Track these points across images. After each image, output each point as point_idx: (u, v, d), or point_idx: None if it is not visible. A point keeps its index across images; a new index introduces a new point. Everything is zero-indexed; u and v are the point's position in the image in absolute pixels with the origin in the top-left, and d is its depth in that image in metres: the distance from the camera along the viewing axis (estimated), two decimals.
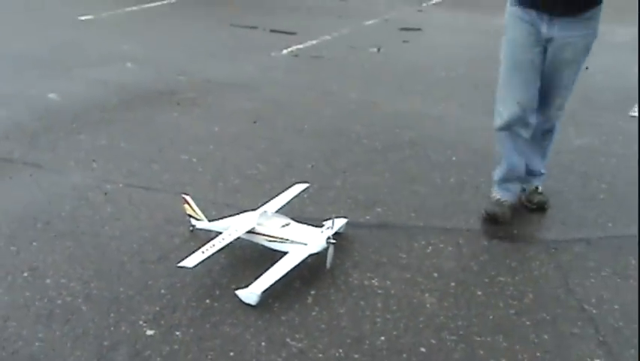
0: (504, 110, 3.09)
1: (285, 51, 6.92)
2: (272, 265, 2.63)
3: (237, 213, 2.96)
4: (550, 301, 2.73)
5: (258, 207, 2.98)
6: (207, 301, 2.68)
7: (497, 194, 3.28)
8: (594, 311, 2.65)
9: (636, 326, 2.53)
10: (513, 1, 2.98)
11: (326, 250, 2.73)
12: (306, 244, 2.72)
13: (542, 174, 3.37)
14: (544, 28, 2.91)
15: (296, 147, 4.31)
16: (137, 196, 3.58)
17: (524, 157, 3.21)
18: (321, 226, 2.85)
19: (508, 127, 3.12)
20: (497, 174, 3.31)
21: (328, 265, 2.74)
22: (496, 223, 3.14)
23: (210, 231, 2.95)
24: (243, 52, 6.91)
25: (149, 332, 2.47)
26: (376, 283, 2.71)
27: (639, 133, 2.74)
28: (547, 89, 3.04)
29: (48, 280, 2.81)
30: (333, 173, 3.92)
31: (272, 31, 7.72)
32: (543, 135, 3.24)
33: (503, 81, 3.08)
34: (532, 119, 3.06)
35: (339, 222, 2.98)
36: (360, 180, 3.84)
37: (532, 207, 3.32)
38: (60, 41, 7.21)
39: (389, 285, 2.75)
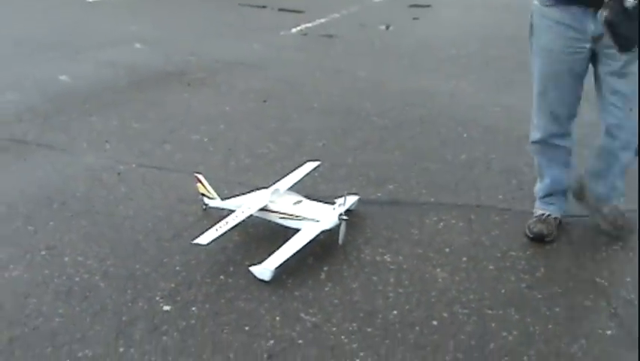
0: (539, 124, 2.79)
1: (294, 30, 6.90)
2: (285, 241, 2.63)
3: (250, 192, 2.97)
4: (562, 275, 2.74)
5: (270, 186, 2.96)
6: (222, 277, 2.71)
7: (540, 209, 2.94)
8: (606, 284, 2.66)
9: None
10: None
11: (338, 226, 2.73)
12: (318, 221, 2.72)
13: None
14: (591, 26, 2.46)
15: (306, 126, 4.32)
16: (150, 176, 3.62)
17: (568, 167, 2.88)
18: (333, 203, 2.83)
19: (544, 141, 2.82)
20: (539, 189, 2.97)
21: (340, 241, 2.74)
22: (542, 241, 2.85)
23: (223, 209, 2.96)
24: (251, 31, 6.90)
25: (166, 308, 2.51)
26: (388, 259, 2.73)
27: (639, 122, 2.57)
28: (604, 102, 2.61)
29: (66, 258, 2.85)
30: (344, 151, 3.93)
31: (280, 10, 7.70)
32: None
33: (537, 93, 2.73)
34: (573, 128, 2.77)
35: (351, 200, 2.95)
36: (371, 158, 3.85)
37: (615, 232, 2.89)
38: (68, 23, 7.23)
39: (401, 260, 2.76)
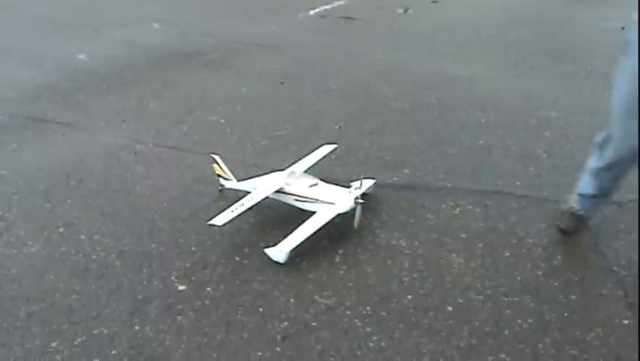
0: (611, 152, 2.46)
1: (312, 12, 6.84)
2: (300, 224, 2.61)
3: (265, 173, 2.94)
4: (579, 263, 2.69)
5: (286, 168, 2.94)
6: (237, 258, 2.67)
7: (578, 206, 2.74)
8: (623, 273, 2.60)
9: None
10: None
11: (354, 210, 2.71)
12: (334, 204, 2.70)
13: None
14: None
15: (323, 108, 4.29)
16: (166, 156, 3.61)
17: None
18: (349, 186, 2.81)
19: (610, 168, 2.53)
20: (585, 187, 2.69)
21: (356, 225, 2.73)
22: (569, 236, 2.75)
23: (239, 190, 2.94)
24: (269, 13, 6.85)
25: (181, 288, 2.52)
26: (403, 244, 2.71)
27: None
28: None
29: (83, 236, 2.87)
30: (360, 134, 3.90)
31: None
32: None
33: (615, 119, 2.37)
34: None
35: (367, 183, 2.94)
36: (388, 141, 3.80)
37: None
38: (86, 2, 7.22)
39: (416, 245, 2.74)
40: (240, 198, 2.69)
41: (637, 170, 2.41)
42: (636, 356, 2.13)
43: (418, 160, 3.45)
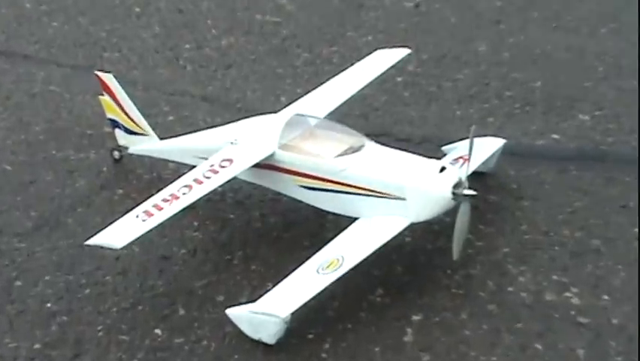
0: None
1: None
2: (313, 251, 1.30)
3: (234, 120, 1.60)
4: None
5: (284, 107, 1.62)
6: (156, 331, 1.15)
7: None
8: None
9: None
10: None
11: (450, 211, 1.33)
12: (404, 200, 1.30)
13: None
14: None
15: None
16: None
17: None
18: (440, 155, 1.55)
19: None
20: None
21: (457, 253, 1.30)
22: None
23: (164, 162, 1.66)
24: None
25: None
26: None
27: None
28: None
29: None
30: None
31: None
32: None
33: None
34: None
35: (486, 146, 1.55)
36: None
37: None
38: None
39: None
40: (168, 184, 1.38)
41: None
42: None
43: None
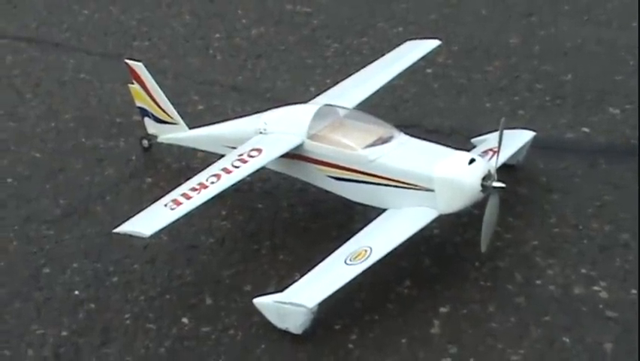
0: None
1: None
2: (339, 243, 1.29)
3: (263, 110, 1.59)
4: None
5: (315, 97, 1.66)
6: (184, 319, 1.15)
7: None
8: None
9: None
10: None
11: (479, 204, 1.32)
12: (432, 191, 1.30)
13: None
14: None
15: None
16: None
17: None
18: (470, 146, 1.55)
19: None
20: None
21: (484, 246, 1.29)
22: None
23: (192, 150, 1.68)
24: None
25: None
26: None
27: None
28: None
29: None
30: None
31: None
32: None
33: None
34: None
35: (516, 139, 1.55)
36: None
37: None
38: None
39: None
40: (196, 173, 1.39)
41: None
42: None
43: None
